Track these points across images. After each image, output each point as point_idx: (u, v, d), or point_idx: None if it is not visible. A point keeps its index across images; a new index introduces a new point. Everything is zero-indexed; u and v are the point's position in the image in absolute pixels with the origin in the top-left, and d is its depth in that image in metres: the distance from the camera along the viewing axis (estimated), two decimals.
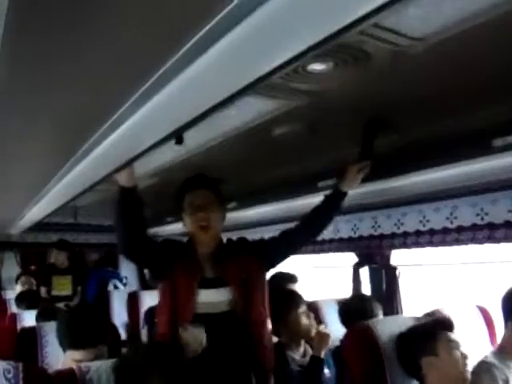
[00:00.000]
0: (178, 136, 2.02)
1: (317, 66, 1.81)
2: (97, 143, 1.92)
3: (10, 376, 1.83)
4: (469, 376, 2.38)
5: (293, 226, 2.92)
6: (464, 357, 2.34)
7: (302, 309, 3.12)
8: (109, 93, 1.47)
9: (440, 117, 2.33)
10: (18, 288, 5.98)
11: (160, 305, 2.77)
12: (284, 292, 3.29)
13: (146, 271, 7.35)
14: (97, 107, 1.63)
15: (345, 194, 2.83)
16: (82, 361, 2.27)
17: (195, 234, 2.72)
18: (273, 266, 2.97)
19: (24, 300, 4.69)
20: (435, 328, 2.42)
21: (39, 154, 2.44)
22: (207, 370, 2.54)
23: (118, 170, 2.28)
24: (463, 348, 2.38)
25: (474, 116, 2.26)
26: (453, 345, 2.36)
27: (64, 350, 2.48)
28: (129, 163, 2.13)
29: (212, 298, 2.64)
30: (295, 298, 3.17)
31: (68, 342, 2.47)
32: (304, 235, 2.94)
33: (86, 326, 2.53)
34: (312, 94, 2.06)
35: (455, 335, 2.41)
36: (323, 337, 2.98)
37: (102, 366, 2.03)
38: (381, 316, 3.30)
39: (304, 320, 3.09)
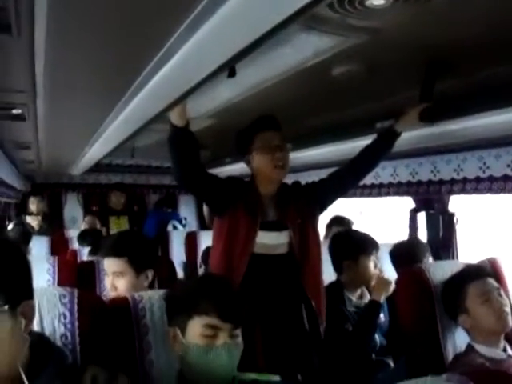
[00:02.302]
0: (230, 68, 1.99)
1: (376, 2, 1.74)
2: (147, 79, 1.93)
3: (65, 301, 1.89)
4: (509, 323, 2.33)
5: (342, 166, 2.94)
6: (498, 305, 2.31)
7: (374, 256, 3.12)
8: (156, 24, 1.46)
9: (503, 59, 2.24)
10: (83, 227, 6.15)
11: (214, 243, 2.81)
12: (360, 235, 3.28)
13: (205, 212, 7.47)
14: (144, 41, 1.62)
15: (399, 134, 2.80)
16: (114, 271, 2.56)
17: (267, 174, 2.74)
18: (324, 207, 2.99)
19: (86, 238, 4.82)
20: (462, 281, 2.40)
21: (94, 92, 2.45)
22: (260, 305, 2.61)
23: (172, 105, 2.28)
24: (498, 295, 2.34)
25: None
26: (484, 297, 2.32)
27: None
28: (183, 98, 2.12)
29: (271, 240, 2.69)
30: (370, 243, 3.18)
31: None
32: (354, 174, 2.95)
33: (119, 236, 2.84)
34: (371, 31, 2.00)
35: (488, 282, 2.38)
36: (385, 283, 2.97)
37: (155, 296, 2.08)
38: (430, 260, 3.29)
39: (372, 267, 3.10)
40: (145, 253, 2.68)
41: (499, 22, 1.89)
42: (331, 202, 2.98)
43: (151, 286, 2.68)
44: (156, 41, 1.56)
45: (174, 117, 2.46)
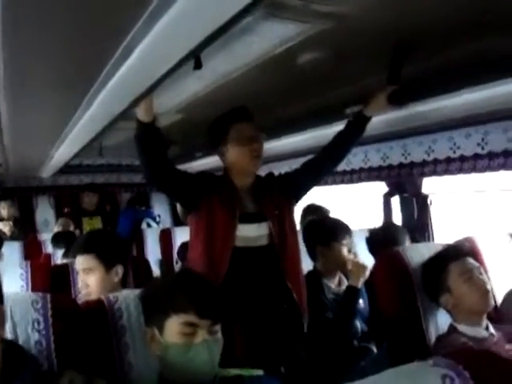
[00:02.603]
0: (195, 59, 1.96)
1: None
2: (112, 73, 1.90)
3: (38, 306, 1.86)
4: (490, 302, 2.34)
5: (314, 155, 2.93)
6: (481, 283, 2.31)
7: (346, 241, 3.13)
8: (115, 17, 1.43)
9: (471, 38, 2.24)
10: (56, 229, 6.09)
11: (192, 239, 2.78)
12: (332, 221, 3.29)
13: (178, 208, 7.45)
14: (105, 35, 1.60)
15: (369, 118, 2.80)
16: (84, 268, 2.62)
17: (243, 166, 2.72)
18: (299, 197, 2.98)
19: (60, 240, 4.76)
20: (444, 260, 2.40)
21: (56, 90, 2.43)
22: (244, 299, 2.62)
23: (137, 101, 2.24)
24: (479, 273, 2.35)
25: (507, 35, 2.16)
26: (466, 276, 2.33)
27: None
28: (148, 92, 2.09)
29: (252, 232, 2.68)
30: (343, 229, 3.19)
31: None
32: (327, 162, 2.94)
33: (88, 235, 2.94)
34: (336, 17, 1.99)
35: (468, 261, 2.38)
36: (360, 268, 2.97)
37: (130, 295, 2.05)
38: (407, 244, 3.30)
39: (345, 252, 3.11)
40: (113, 248, 2.72)
41: (464, 4, 1.89)
42: (306, 191, 2.98)
43: (125, 283, 2.71)
44: (116, 35, 1.53)
45: (141, 113, 2.43)
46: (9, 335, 1.73)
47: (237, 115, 2.73)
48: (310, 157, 2.94)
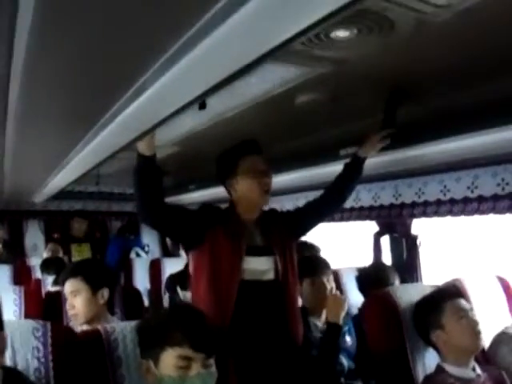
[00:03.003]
0: (200, 102, 2.02)
1: (340, 33, 1.80)
2: (119, 111, 1.93)
3: (38, 334, 1.89)
4: (481, 343, 2.39)
5: (318, 196, 2.95)
6: (473, 324, 2.34)
7: (328, 276, 3.15)
8: (131, 60, 1.48)
9: (463, 86, 2.32)
10: (45, 255, 6.07)
11: (196, 275, 2.71)
12: (314, 258, 3.32)
13: (168, 239, 7.44)
14: (119, 75, 1.64)
15: (363, 159, 2.85)
16: (71, 291, 2.72)
17: (253, 199, 2.68)
18: (300, 235, 3.01)
19: (49, 266, 4.75)
20: (439, 299, 2.43)
21: (62, 122, 2.45)
22: (246, 335, 2.57)
23: (140, 137, 2.27)
24: (472, 315, 2.38)
25: (496, 84, 2.24)
26: (460, 314, 2.36)
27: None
28: (151, 130, 2.12)
29: (261, 266, 2.64)
30: (323, 265, 3.21)
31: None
32: (329, 204, 2.96)
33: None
34: (335, 61, 2.06)
35: (462, 302, 2.42)
36: (337, 301, 2.97)
37: (127, 327, 2.07)
38: (397, 284, 3.32)
39: (328, 288, 3.11)
40: (99, 272, 2.87)
41: (458, 53, 1.96)
42: (307, 230, 3.00)
43: (112, 311, 2.82)
44: (130, 75, 1.57)
45: (142, 147, 2.42)
46: (8, 362, 1.75)
47: (248, 148, 2.70)
48: (305, 194, 2.97)
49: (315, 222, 2.97)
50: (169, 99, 1.68)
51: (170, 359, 1.75)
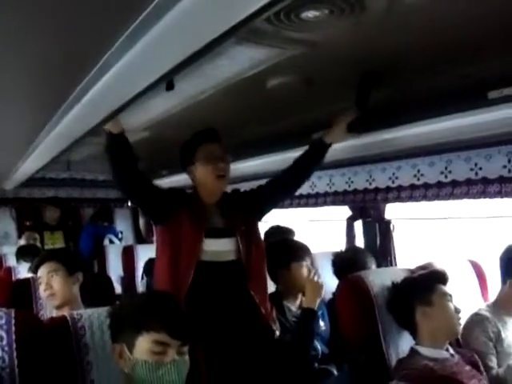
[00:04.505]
0: (168, 81, 1.98)
1: (311, 14, 1.75)
2: (84, 92, 1.90)
3: (1, 322, 1.85)
4: (460, 329, 2.47)
5: (277, 175, 2.99)
6: (457, 311, 2.38)
7: (307, 262, 3.15)
8: (93, 37, 1.44)
9: (436, 69, 2.30)
10: (22, 242, 6.00)
11: (159, 254, 2.82)
12: (291, 242, 3.31)
13: (141, 225, 7.40)
14: (82, 53, 1.61)
15: (329, 145, 2.87)
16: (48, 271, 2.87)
17: (209, 184, 2.79)
18: (263, 214, 3.04)
19: (25, 253, 4.71)
20: (431, 279, 2.44)
21: (28, 105, 2.42)
22: (205, 316, 2.60)
23: (107, 119, 2.26)
24: (456, 302, 2.40)
25: (470, 68, 2.22)
26: (447, 297, 2.39)
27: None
28: (120, 111, 2.09)
29: (220, 247, 2.73)
30: (302, 249, 3.22)
31: None
32: (288, 184, 3.01)
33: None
34: (306, 43, 2.02)
35: (449, 289, 2.44)
36: (315, 286, 2.99)
37: (94, 314, 2.05)
38: (373, 268, 3.32)
39: (305, 273, 3.12)
40: (73, 257, 3.07)
41: (432, 36, 1.94)
42: (270, 208, 3.05)
43: (85, 299, 2.87)
44: (93, 53, 1.54)
45: (109, 125, 2.47)
46: None
47: (205, 136, 2.81)
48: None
49: (276, 201, 3.07)
50: (133, 78, 1.65)
51: (145, 344, 1.75)
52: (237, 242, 2.74)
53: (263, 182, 3.03)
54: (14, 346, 1.81)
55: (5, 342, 1.81)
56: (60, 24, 1.39)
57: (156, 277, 2.81)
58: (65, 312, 2.23)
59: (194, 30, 1.24)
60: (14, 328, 1.84)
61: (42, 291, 2.89)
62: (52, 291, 2.84)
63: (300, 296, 3.18)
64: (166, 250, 2.72)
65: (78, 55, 1.62)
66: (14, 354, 1.80)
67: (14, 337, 1.82)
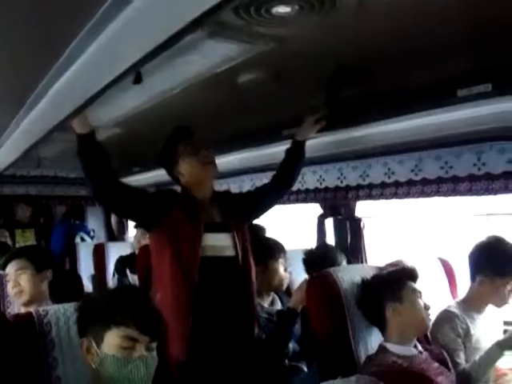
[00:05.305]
0: (136, 74, 1.96)
1: (281, 9, 1.77)
2: (50, 84, 1.89)
3: None
4: (429, 326, 2.49)
5: (267, 182, 3.06)
6: (426, 307, 2.39)
7: (282, 259, 3.15)
8: (57, 27, 1.42)
9: (406, 67, 2.32)
10: None
11: (156, 258, 2.75)
12: (268, 241, 3.31)
13: (113, 223, 7.36)
14: (46, 44, 1.59)
15: (303, 142, 2.94)
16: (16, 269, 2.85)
17: (198, 175, 2.76)
18: (252, 218, 3.11)
19: None
20: (401, 276, 2.46)
21: None
22: (209, 313, 2.61)
23: (75, 112, 2.20)
24: (425, 299, 2.42)
25: (440, 66, 2.25)
26: (417, 294, 2.41)
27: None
28: (87, 104, 2.05)
29: (219, 242, 2.70)
30: (278, 248, 3.22)
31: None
32: (278, 187, 3.08)
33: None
34: (277, 39, 2.03)
35: (418, 286, 2.45)
36: (303, 289, 2.97)
37: (60, 309, 2.03)
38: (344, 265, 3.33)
39: (281, 271, 3.14)
40: (42, 255, 3.06)
41: (401, 33, 1.95)
42: (259, 214, 3.10)
43: (54, 296, 2.85)
44: (57, 44, 1.52)
45: (77, 126, 2.41)
46: None
47: (181, 134, 2.80)
48: (249, 176, 2.99)
49: (266, 207, 3.09)
50: (99, 70, 1.63)
51: (114, 339, 1.73)
52: (233, 237, 2.71)
53: (234, 179, 3.04)
54: None
55: None
56: (23, 15, 1.37)
57: (157, 281, 2.73)
58: (32, 309, 2.21)
59: (159, 19, 1.23)
60: None
61: (10, 289, 2.87)
62: (20, 289, 2.83)
63: (272, 294, 3.18)
64: (166, 253, 2.63)
65: (42, 47, 1.61)
66: None
67: None
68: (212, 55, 2.17)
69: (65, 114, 2.23)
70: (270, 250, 3.17)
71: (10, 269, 2.88)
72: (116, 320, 1.73)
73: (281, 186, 3.07)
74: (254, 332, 2.80)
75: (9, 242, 5.98)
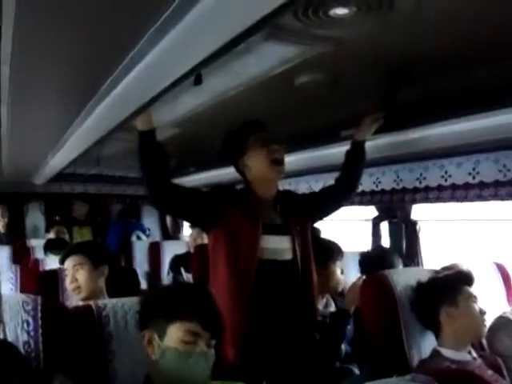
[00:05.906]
0: (196, 75, 1.99)
1: (339, 11, 1.77)
2: (114, 84, 1.92)
3: (28, 308, 1.89)
4: (484, 332, 2.43)
5: (330, 184, 3.00)
6: (482, 312, 2.35)
7: (340, 262, 3.14)
8: (121, 31, 1.46)
9: (464, 68, 2.29)
10: (50, 236, 6.07)
11: (213, 259, 2.69)
12: (328, 242, 3.29)
13: (168, 222, 7.45)
14: (110, 48, 1.63)
15: (362, 143, 2.87)
16: (74, 265, 2.90)
17: (264, 172, 2.65)
18: (316, 220, 3.02)
19: (53, 246, 4.76)
20: (457, 280, 2.42)
21: (58, 99, 2.45)
22: (265, 317, 2.57)
23: (136, 113, 2.24)
24: (481, 304, 2.39)
25: (498, 67, 2.22)
26: (472, 299, 2.37)
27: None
28: (148, 105, 2.08)
29: (278, 244, 2.62)
30: (337, 249, 3.18)
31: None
32: (341, 192, 2.99)
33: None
34: (334, 41, 2.03)
35: (474, 290, 2.42)
36: (357, 291, 2.95)
37: (118, 304, 2.08)
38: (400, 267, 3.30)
39: (338, 273, 3.11)
40: (99, 250, 3.12)
41: (460, 33, 1.94)
42: (323, 216, 3.03)
43: (111, 291, 2.90)
44: (121, 48, 1.56)
45: (139, 123, 2.42)
46: None
47: (254, 126, 2.71)
48: (306, 177, 2.97)
49: (332, 209, 3.02)
50: (161, 72, 1.66)
51: (176, 332, 1.75)
52: (293, 240, 2.64)
53: (290, 180, 3.02)
54: (40, 331, 1.84)
55: (31, 327, 1.84)
56: (88, 20, 1.41)
57: (214, 281, 2.66)
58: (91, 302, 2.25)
59: (221, 23, 1.25)
60: (40, 314, 1.88)
61: (68, 284, 2.93)
62: (77, 284, 2.88)
63: (326, 296, 3.17)
64: (223, 253, 2.58)
65: (106, 50, 1.65)
66: (40, 339, 1.83)
67: (40, 322, 1.86)
68: (270, 57, 2.18)
69: (126, 115, 2.27)
70: (330, 252, 3.13)
71: (68, 264, 2.93)
72: (180, 314, 1.76)
73: (345, 189, 2.99)
74: (315, 338, 2.77)
75: (67, 238, 6.08)
